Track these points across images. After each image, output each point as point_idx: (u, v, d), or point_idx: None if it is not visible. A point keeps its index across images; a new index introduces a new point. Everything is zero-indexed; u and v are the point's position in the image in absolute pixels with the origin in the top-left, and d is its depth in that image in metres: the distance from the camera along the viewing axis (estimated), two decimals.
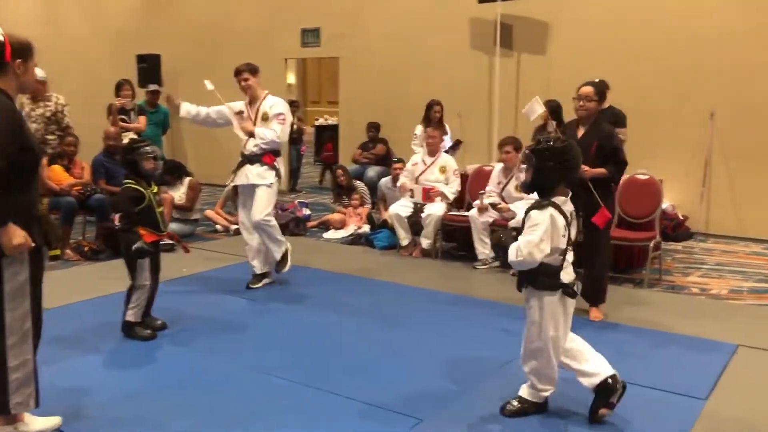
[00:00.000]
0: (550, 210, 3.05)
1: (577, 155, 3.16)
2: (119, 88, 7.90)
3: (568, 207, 3.15)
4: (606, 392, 3.15)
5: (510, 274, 5.88)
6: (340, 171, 8.10)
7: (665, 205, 6.33)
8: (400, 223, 6.56)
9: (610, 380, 3.13)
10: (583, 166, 3.83)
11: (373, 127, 9.41)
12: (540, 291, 3.13)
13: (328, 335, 4.44)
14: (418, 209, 6.54)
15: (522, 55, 8.52)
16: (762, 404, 3.49)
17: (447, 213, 6.45)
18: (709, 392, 3.58)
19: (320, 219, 7.94)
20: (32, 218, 2.82)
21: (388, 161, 8.80)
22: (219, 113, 5.46)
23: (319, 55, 11.06)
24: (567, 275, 3.14)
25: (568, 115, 6.98)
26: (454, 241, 6.88)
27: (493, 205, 6.05)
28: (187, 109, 5.43)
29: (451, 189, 6.58)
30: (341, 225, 7.67)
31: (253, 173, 5.28)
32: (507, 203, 6.08)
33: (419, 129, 7.61)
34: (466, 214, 6.24)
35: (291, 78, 14.49)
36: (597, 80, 6.60)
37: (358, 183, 8.10)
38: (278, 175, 5.39)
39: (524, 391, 3.32)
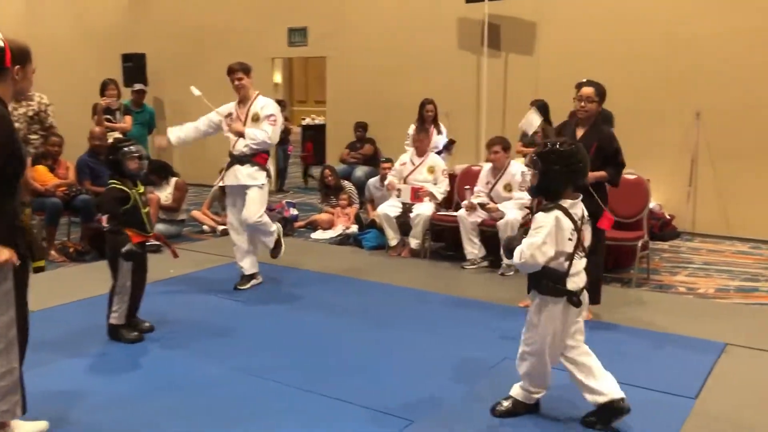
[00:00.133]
0: (556, 213, 3.00)
1: (585, 159, 3.09)
2: (104, 87, 7.83)
3: (577, 210, 3.09)
4: (610, 412, 3.10)
5: (498, 274, 5.90)
6: (327, 171, 8.07)
7: (652, 204, 6.36)
8: (388, 223, 6.55)
9: (619, 402, 3.08)
10: None
11: (361, 127, 9.40)
12: (543, 296, 3.09)
13: (317, 336, 4.42)
14: (406, 209, 6.53)
15: (510, 55, 8.53)
16: (751, 402, 3.51)
17: (435, 213, 6.45)
18: (698, 391, 3.59)
19: (308, 219, 7.91)
20: (15, 228, 2.78)
21: (375, 161, 8.79)
22: (208, 122, 5.41)
23: (307, 54, 11.03)
24: (574, 282, 3.08)
25: (555, 114, 7.03)
26: (443, 241, 6.87)
27: (482, 205, 6.05)
28: (176, 135, 5.41)
29: (440, 189, 6.58)
30: (329, 225, 7.64)
31: (243, 174, 5.25)
32: (495, 203, 6.08)
33: (412, 128, 7.59)
34: (455, 214, 6.24)
35: (277, 77, 14.42)
36: (584, 80, 6.67)
37: (345, 183, 8.08)
38: (269, 175, 5.37)
39: (515, 391, 3.31)
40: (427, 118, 7.27)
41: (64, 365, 3.88)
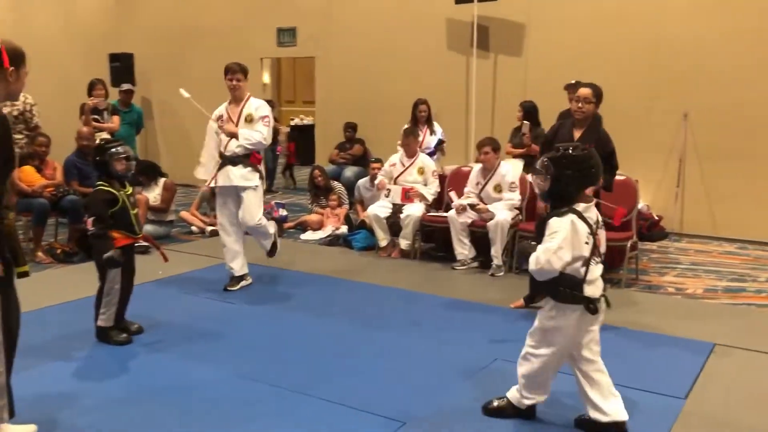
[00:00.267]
0: (571, 216, 2.93)
1: (598, 164, 3.03)
2: (92, 87, 7.78)
3: (592, 214, 3.02)
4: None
5: (489, 275, 5.90)
6: (317, 171, 8.05)
7: (640, 205, 6.38)
8: (378, 224, 6.54)
9: (621, 425, 3.06)
10: None
11: (350, 128, 9.39)
12: (559, 303, 2.99)
13: (307, 338, 4.40)
14: (396, 210, 6.53)
15: (498, 57, 8.55)
16: (740, 402, 3.53)
17: (426, 214, 6.45)
18: (688, 391, 3.61)
19: (297, 220, 7.88)
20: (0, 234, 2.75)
21: (365, 161, 8.78)
22: (213, 137, 5.36)
23: (296, 54, 10.99)
24: (592, 289, 3.00)
25: (543, 115, 7.05)
26: (433, 241, 6.87)
27: (472, 206, 6.05)
28: (207, 172, 5.38)
29: (430, 190, 6.58)
30: (319, 226, 7.62)
31: (236, 174, 5.23)
32: (486, 204, 6.08)
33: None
34: (445, 214, 6.24)
35: (265, 77, 14.36)
36: (573, 81, 6.70)
37: (335, 183, 8.06)
38: (261, 176, 5.36)
39: (510, 392, 3.29)
40: (420, 119, 7.27)
41: (52, 368, 3.85)
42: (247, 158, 5.25)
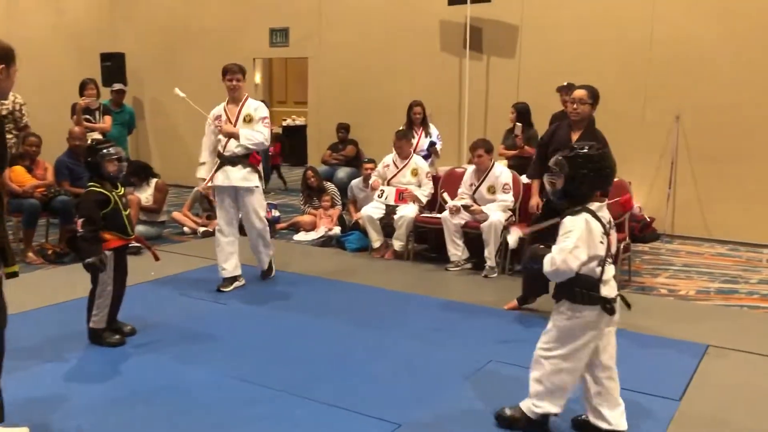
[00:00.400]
0: (585, 215, 2.88)
1: (613, 164, 2.99)
2: (83, 87, 7.73)
3: (605, 214, 2.97)
4: None
5: (482, 276, 5.90)
6: (310, 172, 8.02)
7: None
8: (372, 225, 6.53)
9: None
10: None
11: (343, 128, 9.38)
12: (576, 304, 2.93)
13: (301, 339, 4.39)
14: (390, 211, 6.52)
15: (491, 58, 8.56)
16: (734, 403, 3.54)
17: (419, 215, 6.44)
18: (682, 393, 3.62)
19: (290, 221, 7.86)
20: None
21: (358, 162, 8.76)
22: (211, 136, 5.35)
23: (288, 55, 10.98)
24: (608, 289, 2.95)
25: (536, 117, 7.06)
26: (427, 243, 6.86)
27: (465, 207, 6.05)
28: (207, 172, 5.34)
29: (424, 192, 6.57)
30: (312, 227, 7.60)
31: (236, 175, 5.22)
32: (479, 205, 6.08)
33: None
34: (439, 216, 6.23)
35: (257, 77, 14.32)
36: (565, 84, 6.71)
37: (328, 184, 8.04)
38: (261, 177, 5.37)
39: (524, 402, 3.15)
40: (415, 121, 7.24)
41: (44, 370, 3.81)
42: (246, 159, 5.24)
